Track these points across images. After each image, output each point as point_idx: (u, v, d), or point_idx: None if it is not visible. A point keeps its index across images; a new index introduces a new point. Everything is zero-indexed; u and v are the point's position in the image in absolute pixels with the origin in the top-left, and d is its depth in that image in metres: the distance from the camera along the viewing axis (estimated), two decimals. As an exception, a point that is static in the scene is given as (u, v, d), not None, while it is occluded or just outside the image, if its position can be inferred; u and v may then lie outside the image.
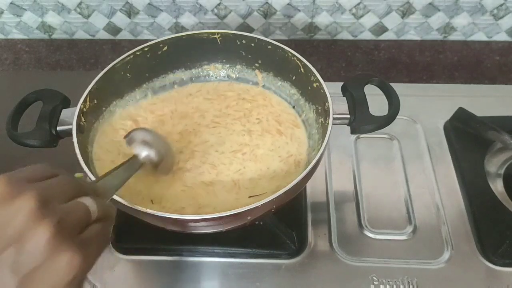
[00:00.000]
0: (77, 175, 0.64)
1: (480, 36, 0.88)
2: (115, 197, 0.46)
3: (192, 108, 0.63)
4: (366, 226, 0.60)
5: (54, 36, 0.92)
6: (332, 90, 0.55)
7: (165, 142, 0.53)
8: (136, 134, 0.50)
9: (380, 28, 0.88)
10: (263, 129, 0.60)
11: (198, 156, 0.57)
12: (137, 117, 0.62)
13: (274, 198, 0.45)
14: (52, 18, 0.89)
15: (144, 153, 0.48)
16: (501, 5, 0.83)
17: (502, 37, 0.88)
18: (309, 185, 0.64)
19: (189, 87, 0.66)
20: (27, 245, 0.26)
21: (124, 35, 0.91)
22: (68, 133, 0.52)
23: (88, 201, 0.31)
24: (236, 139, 0.59)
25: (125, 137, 0.50)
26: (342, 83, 0.57)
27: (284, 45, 0.60)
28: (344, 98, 0.55)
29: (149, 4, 0.85)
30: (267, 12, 0.86)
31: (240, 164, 0.56)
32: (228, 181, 0.54)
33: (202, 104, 0.63)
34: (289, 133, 0.60)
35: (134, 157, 0.48)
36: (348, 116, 0.54)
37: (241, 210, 0.44)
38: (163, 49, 0.63)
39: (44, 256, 0.27)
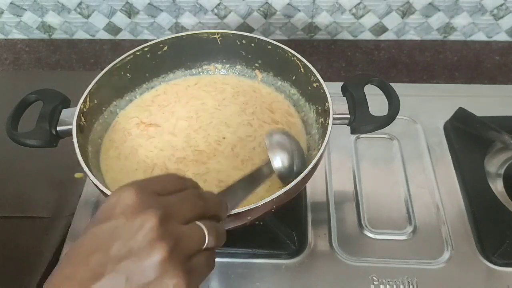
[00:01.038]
0: (77, 175, 0.64)
1: (480, 36, 0.88)
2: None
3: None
4: (366, 226, 0.60)
5: (54, 36, 0.92)
6: (332, 90, 0.55)
7: (303, 153, 0.49)
8: (277, 137, 0.48)
9: (380, 28, 0.88)
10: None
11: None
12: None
13: (274, 198, 0.45)
14: (52, 18, 0.89)
15: (278, 163, 0.45)
16: (501, 5, 0.83)
17: (502, 37, 0.88)
18: (309, 185, 0.64)
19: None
20: (143, 262, 0.28)
21: (124, 35, 0.91)
22: (68, 133, 0.52)
23: (206, 227, 0.32)
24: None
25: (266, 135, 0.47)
26: (342, 83, 0.57)
27: (284, 45, 0.60)
28: (344, 98, 0.55)
29: (149, 4, 0.85)
30: (267, 12, 0.86)
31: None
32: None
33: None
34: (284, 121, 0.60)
35: (267, 165, 0.44)
36: (348, 116, 0.54)
37: (241, 210, 0.44)
38: (163, 49, 0.63)
39: (155, 275, 0.28)
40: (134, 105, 0.64)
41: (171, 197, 0.32)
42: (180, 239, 0.30)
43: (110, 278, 0.28)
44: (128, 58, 0.60)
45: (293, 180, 0.45)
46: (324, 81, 0.56)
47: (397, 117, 0.54)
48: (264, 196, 0.45)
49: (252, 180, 0.43)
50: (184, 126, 0.60)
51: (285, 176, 0.48)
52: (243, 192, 0.41)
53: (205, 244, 0.32)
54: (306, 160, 0.50)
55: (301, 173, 0.46)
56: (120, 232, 0.29)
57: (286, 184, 0.45)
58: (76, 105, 0.54)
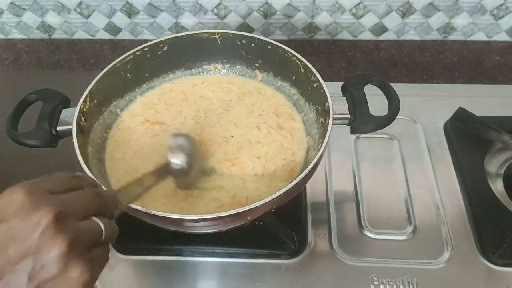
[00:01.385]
0: (77, 175, 0.64)
1: (480, 36, 0.88)
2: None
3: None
4: (366, 226, 0.60)
5: (54, 36, 0.92)
6: (332, 90, 0.55)
7: (200, 155, 0.53)
8: (177, 139, 0.51)
9: (380, 28, 0.88)
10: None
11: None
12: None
13: (274, 198, 0.45)
14: (52, 18, 0.89)
15: (176, 161, 0.48)
16: (501, 5, 0.83)
17: (502, 37, 0.88)
18: (309, 185, 0.64)
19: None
20: (43, 258, 0.29)
21: (124, 35, 0.91)
22: (68, 133, 0.52)
23: (103, 223, 0.33)
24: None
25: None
26: (342, 83, 0.57)
27: (284, 45, 0.60)
28: (344, 98, 0.55)
29: (149, 4, 0.85)
30: (267, 12, 0.86)
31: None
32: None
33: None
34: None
35: (166, 164, 0.48)
36: (348, 116, 0.54)
37: (241, 210, 0.44)
38: (163, 49, 0.63)
39: (57, 269, 0.29)
40: (140, 103, 0.64)
41: (65, 195, 0.32)
42: (78, 233, 0.30)
43: (10, 278, 0.28)
44: (128, 58, 0.60)
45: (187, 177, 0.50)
46: (324, 81, 0.56)
47: (397, 117, 0.54)
48: (264, 196, 0.45)
49: (150, 178, 0.45)
50: (191, 124, 0.60)
51: (179, 174, 0.50)
52: (140, 189, 0.43)
53: (102, 238, 0.33)
54: (197, 159, 0.53)
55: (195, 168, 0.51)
56: (15, 233, 0.29)
57: (178, 183, 0.51)
58: (76, 105, 0.54)
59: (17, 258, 0.28)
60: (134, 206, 0.44)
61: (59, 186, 0.32)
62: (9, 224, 0.29)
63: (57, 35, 0.92)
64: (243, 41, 0.63)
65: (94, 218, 0.32)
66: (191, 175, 0.51)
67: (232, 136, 0.59)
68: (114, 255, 0.58)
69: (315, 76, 0.56)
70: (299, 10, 0.85)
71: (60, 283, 0.29)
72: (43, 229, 0.29)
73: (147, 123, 0.61)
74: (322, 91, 0.55)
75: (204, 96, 0.64)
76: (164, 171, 0.48)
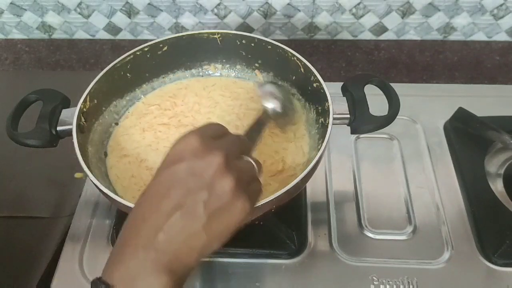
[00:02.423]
0: (77, 175, 0.64)
1: (480, 36, 0.88)
2: (115, 197, 0.46)
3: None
4: (366, 226, 0.60)
5: (54, 36, 0.92)
6: (332, 90, 0.55)
7: (290, 98, 0.59)
8: (266, 87, 0.56)
9: (380, 28, 0.88)
10: None
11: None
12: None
13: (274, 198, 0.45)
14: (52, 18, 0.89)
15: (270, 105, 0.53)
16: (501, 5, 0.83)
17: (502, 37, 0.88)
18: (309, 185, 0.64)
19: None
20: (217, 190, 0.34)
21: (124, 35, 0.91)
22: (68, 133, 0.52)
23: (252, 161, 0.39)
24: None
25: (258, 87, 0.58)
26: (342, 83, 0.57)
27: (284, 45, 0.60)
28: (344, 98, 0.55)
29: (149, 4, 0.85)
30: (267, 12, 0.86)
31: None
32: None
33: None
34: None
35: (264, 112, 0.52)
36: (348, 116, 0.54)
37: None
38: (163, 49, 0.63)
39: (227, 200, 0.34)
40: (140, 102, 0.64)
41: (224, 140, 0.38)
42: (240, 171, 0.36)
43: (191, 205, 0.34)
44: (128, 58, 0.60)
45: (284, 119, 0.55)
46: (324, 81, 0.56)
47: (397, 117, 0.54)
48: (265, 196, 0.45)
49: (256, 128, 0.48)
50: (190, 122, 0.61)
51: (277, 117, 0.54)
52: (256, 135, 0.47)
53: (256, 173, 0.39)
54: (293, 102, 0.60)
55: (289, 110, 0.56)
56: (194, 169, 0.35)
57: (279, 125, 0.56)
58: (76, 105, 0.54)
59: (196, 189, 0.34)
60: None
61: (217, 133, 0.38)
62: (189, 162, 0.35)
63: (57, 35, 0.92)
64: (243, 41, 0.63)
65: (245, 157, 0.39)
66: (286, 115, 0.56)
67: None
68: (114, 255, 0.58)
69: (315, 76, 0.56)
70: (299, 10, 0.85)
71: (229, 212, 0.35)
72: (216, 167, 0.34)
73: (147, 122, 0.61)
74: (322, 91, 0.55)
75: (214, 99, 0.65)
76: (263, 119, 0.51)
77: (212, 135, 0.38)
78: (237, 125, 0.60)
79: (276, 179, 0.55)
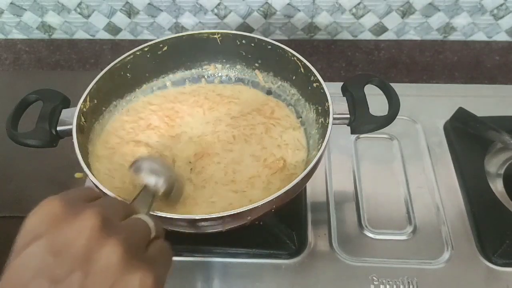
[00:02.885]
0: (77, 175, 0.64)
1: (480, 36, 0.88)
2: (115, 197, 0.46)
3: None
4: (366, 226, 0.60)
5: (54, 36, 0.92)
6: (332, 90, 0.55)
7: (171, 169, 0.50)
8: (143, 163, 0.46)
9: (380, 28, 0.88)
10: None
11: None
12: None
13: (274, 198, 0.45)
14: (52, 18, 0.89)
15: (152, 181, 0.43)
16: (501, 5, 0.83)
17: (502, 37, 0.88)
18: (309, 185, 0.64)
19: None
20: (95, 268, 0.25)
21: (124, 35, 0.91)
22: (68, 133, 0.52)
23: (145, 218, 0.30)
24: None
25: (130, 166, 0.46)
26: (342, 83, 0.57)
27: (284, 45, 0.60)
28: (344, 98, 0.55)
29: (149, 4, 0.85)
30: (267, 12, 0.86)
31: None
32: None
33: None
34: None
35: (145, 187, 0.43)
36: (348, 116, 0.54)
37: (241, 210, 0.44)
38: (163, 49, 0.63)
39: (114, 278, 0.25)
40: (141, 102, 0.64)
41: (99, 201, 0.29)
42: (128, 233, 0.27)
43: None
44: (128, 58, 0.60)
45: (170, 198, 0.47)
46: (324, 81, 0.56)
47: (397, 117, 0.54)
48: (264, 196, 0.45)
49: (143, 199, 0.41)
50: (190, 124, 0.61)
51: (166, 190, 0.45)
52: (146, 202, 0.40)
53: (152, 233, 0.29)
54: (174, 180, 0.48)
55: (175, 182, 0.47)
56: (57, 246, 0.25)
57: (172, 198, 0.47)
58: (76, 105, 0.54)
59: (64, 275, 0.24)
60: None
61: (90, 195, 0.30)
62: (48, 237, 0.26)
63: (57, 35, 0.92)
64: (243, 41, 0.63)
65: (136, 216, 0.30)
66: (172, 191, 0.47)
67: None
68: (114, 255, 0.58)
69: (315, 76, 0.56)
70: (299, 10, 0.85)
71: None
72: (89, 234, 0.25)
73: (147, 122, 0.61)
74: (322, 91, 0.55)
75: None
76: (147, 194, 0.43)
77: (80, 198, 0.29)
78: (233, 135, 0.60)
79: (277, 177, 0.55)
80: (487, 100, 0.74)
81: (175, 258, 0.56)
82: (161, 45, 0.62)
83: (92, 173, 0.48)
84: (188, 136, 0.59)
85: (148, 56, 0.62)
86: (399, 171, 0.66)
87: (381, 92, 0.56)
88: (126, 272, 0.25)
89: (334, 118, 0.52)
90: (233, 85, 0.66)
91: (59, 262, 0.25)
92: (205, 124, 0.61)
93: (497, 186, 0.64)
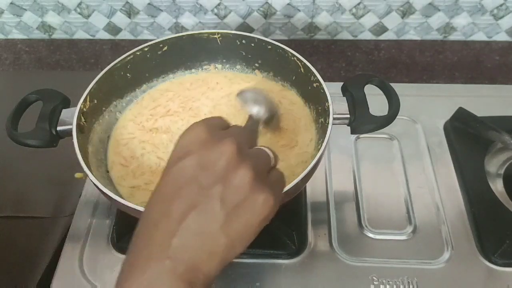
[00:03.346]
0: (77, 175, 0.64)
1: (480, 36, 0.88)
2: (115, 197, 0.46)
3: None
4: (366, 226, 0.60)
5: (54, 36, 0.92)
6: (332, 90, 0.55)
7: (272, 100, 0.56)
8: (248, 94, 0.55)
9: (380, 28, 0.88)
10: None
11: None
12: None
13: (274, 198, 0.45)
14: (52, 18, 0.89)
15: (255, 110, 0.51)
16: (501, 5, 0.83)
17: (502, 37, 0.88)
18: (309, 185, 0.64)
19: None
20: (232, 183, 0.31)
21: (124, 35, 0.91)
22: (68, 133, 0.52)
23: (266, 149, 0.35)
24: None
25: (237, 95, 0.56)
26: (342, 83, 0.57)
27: (284, 45, 0.60)
28: (344, 98, 0.55)
29: (149, 4, 0.85)
30: (267, 12, 0.86)
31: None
32: None
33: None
34: None
35: (250, 117, 0.49)
36: (348, 116, 0.54)
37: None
38: (163, 49, 0.63)
39: (246, 193, 0.31)
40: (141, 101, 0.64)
41: (231, 130, 0.36)
42: (256, 160, 0.33)
43: (205, 204, 0.30)
44: (128, 58, 0.60)
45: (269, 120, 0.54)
46: (324, 81, 0.56)
47: (397, 117, 0.54)
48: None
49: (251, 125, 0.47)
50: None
51: (265, 121, 0.53)
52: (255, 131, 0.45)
53: (272, 161, 0.35)
54: (275, 105, 0.57)
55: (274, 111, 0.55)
56: (205, 162, 0.31)
57: (267, 126, 0.54)
58: (76, 105, 0.54)
59: (210, 185, 0.30)
60: (133, 206, 0.44)
61: (222, 124, 0.36)
62: (198, 155, 0.32)
63: (57, 35, 0.92)
64: (243, 41, 0.63)
65: (259, 146, 0.35)
66: (273, 117, 0.55)
67: None
68: (114, 255, 0.58)
69: (315, 76, 0.56)
70: (299, 10, 0.85)
71: (249, 207, 0.31)
72: (229, 157, 0.31)
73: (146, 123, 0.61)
74: (322, 91, 0.55)
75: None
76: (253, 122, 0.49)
77: (219, 126, 0.35)
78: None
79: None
80: (487, 100, 0.74)
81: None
82: (161, 45, 0.62)
83: (92, 173, 0.48)
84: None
85: (148, 56, 0.62)
86: (399, 171, 0.66)
87: (381, 92, 0.56)
88: (254, 191, 0.31)
89: (334, 118, 0.52)
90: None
91: (206, 175, 0.31)
92: (220, 98, 0.63)
93: (497, 186, 0.64)
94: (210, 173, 0.31)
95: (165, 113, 0.62)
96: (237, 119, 0.59)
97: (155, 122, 0.61)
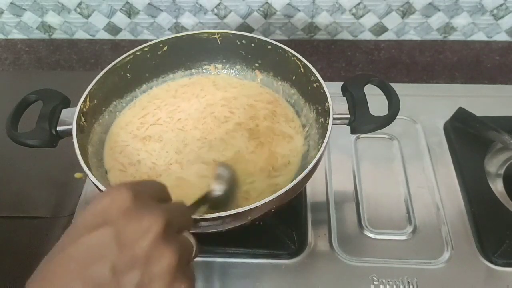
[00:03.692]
0: (77, 175, 0.64)
1: (480, 36, 0.88)
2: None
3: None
4: (366, 226, 0.60)
5: (54, 36, 0.92)
6: (332, 90, 0.55)
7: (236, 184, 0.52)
8: (223, 170, 0.49)
9: (380, 28, 0.88)
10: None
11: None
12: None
13: (274, 198, 0.45)
14: (52, 18, 0.89)
15: (218, 190, 0.47)
16: (501, 5, 0.83)
17: (502, 37, 0.88)
18: (309, 185, 0.64)
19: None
20: (152, 270, 0.26)
21: (124, 35, 0.91)
22: (68, 133, 0.52)
23: (191, 239, 0.32)
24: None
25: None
26: (342, 83, 0.57)
27: (284, 45, 0.60)
28: (344, 98, 0.55)
29: (149, 4, 0.85)
30: (267, 12, 0.86)
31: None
32: None
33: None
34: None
35: (210, 192, 0.46)
36: (348, 116, 0.54)
37: (241, 210, 0.44)
38: (163, 49, 0.63)
39: (165, 282, 0.27)
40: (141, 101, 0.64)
41: (165, 205, 0.30)
42: (181, 246, 0.29)
43: None
44: (128, 58, 0.60)
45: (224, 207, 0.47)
46: (324, 81, 0.56)
47: (397, 117, 0.54)
48: (264, 197, 0.45)
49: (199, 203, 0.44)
50: (190, 124, 0.61)
51: (216, 203, 0.48)
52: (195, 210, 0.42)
53: (193, 254, 0.31)
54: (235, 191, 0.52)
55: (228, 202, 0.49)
56: (123, 239, 0.26)
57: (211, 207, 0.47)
58: (76, 105, 0.54)
59: (124, 269, 0.26)
60: None
61: (157, 194, 0.31)
62: (116, 227, 0.26)
63: (57, 35, 0.92)
64: (243, 41, 0.63)
65: (186, 233, 0.31)
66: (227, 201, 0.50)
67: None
68: (114, 255, 0.58)
69: (315, 76, 0.56)
70: (299, 10, 0.85)
71: None
72: (153, 237, 0.26)
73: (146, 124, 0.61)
74: (322, 91, 0.55)
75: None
76: (205, 199, 0.46)
77: (151, 195, 0.30)
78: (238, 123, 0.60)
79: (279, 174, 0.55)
80: (487, 100, 0.74)
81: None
82: (161, 45, 0.62)
83: (92, 173, 0.48)
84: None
85: (148, 56, 0.62)
86: (399, 171, 0.66)
87: (381, 92, 0.56)
88: (175, 281, 0.27)
89: (334, 118, 0.52)
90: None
91: (123, 255, 0.26)
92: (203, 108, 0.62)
93: (497, 186, 0.64)
94: (128, 254, 0.26)
95: (154, 122, 0.61)
96: (216, 133, 0.59)
97: (146, 131, 0.60)
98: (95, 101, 0.57)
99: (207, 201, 0.46)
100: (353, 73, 0.84)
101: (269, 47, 0.61)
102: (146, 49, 0.61)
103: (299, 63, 0.59)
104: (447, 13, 0.84)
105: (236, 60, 0.66)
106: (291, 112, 0.62)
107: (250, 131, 0.59)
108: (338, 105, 0.54)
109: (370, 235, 0.59)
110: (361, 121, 0.53)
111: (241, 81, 0.66)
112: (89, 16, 0.88)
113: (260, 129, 0.60)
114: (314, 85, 0.57)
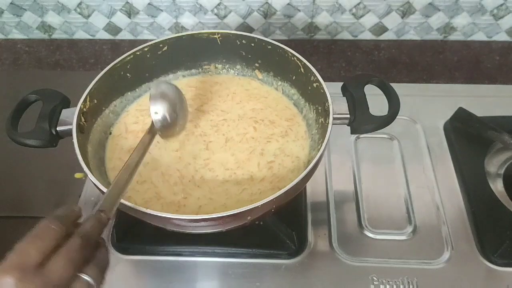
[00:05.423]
0: (77, 175, 0.64)
1: (480, 36, 0.88)
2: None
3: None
4: (366, 226, 0.60)
5: (54, 36, 0.92)
6: (332, 90, 0.55)
7: (183, 103, 0.54)
8: (158, 88, 0.51)
9: (380, 28, 0.88)
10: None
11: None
12: None
13: (274, 198, 0.45)
14: (52, 18, 0.89)
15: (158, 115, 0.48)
16: (501, 5, 0.83)
17: (502, 37, 0.88)
18: (309, 185, 0.64)
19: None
20: None
21: (124, 35, 0.91)
22: (68, 133, 0.52)
23: (90, 275, 0.34)
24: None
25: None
26: (342, 83, 0.57)
27: (284, 45, 0.60)
28: (344, 98, 0.55)
29: (149, 4, 0.85)
30: (267, 12, 0.86)
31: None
32: None
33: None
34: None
35: (150, 128, 0.48)
36: (348, 116, 0.54)
37: (241, 210, 0.44)
38: (163, 49, 0.63)
39: None
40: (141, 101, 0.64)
41: (51, 265, 0.31)
42: None
43: None
44: (128, 58, 0.60)
45: (171, 130, 0.51)
46: (324, 81, 0.56)
47: (397, 117, 0.54)
48: (266, 195, 0.45)
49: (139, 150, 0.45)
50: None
51: (163, 127, 0.50)
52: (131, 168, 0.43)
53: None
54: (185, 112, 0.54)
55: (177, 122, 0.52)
56: None
57: (162, 136, 0.51)
58: (76, 105, 0.54)
59: None
60: (133, 206, 0.44)
61: (46, 246, 0.32)
62: None
63: (57, 35, 0.92)
64: (243, 41, 0.63)
65: (83, 276, 0.33)
66: (175, 127, 0.52)
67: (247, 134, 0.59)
68: (114, 255, 0.58)
69: (315, 76, 0.56)
70: (299, 10, 0.85)
71: None
72: None
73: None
74: (322, 91, 0.55)
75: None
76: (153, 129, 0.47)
77: (37, 258, 0.31)
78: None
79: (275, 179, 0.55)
80: (487, 100, 0.74)
81: (177, 258, 0.57)
82: (161, 45, 0.62)
83: (92, 173, 0.48)
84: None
85: (148, 56, 0.62)
86: (399, 171, 0.66)
87: (381, 92, 0.56)
88: None
89: (334, 118, 0.52)
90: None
91: None
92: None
93: (497, 186, 0.64)
94: None
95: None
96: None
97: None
98: (95, 101, 0.57)
99: (156, 131, 0.48)
100: (353, 73, 0.84)
101: (269, 47, 0.61)
102: (146, 49, 0.61)
103: (299, 63, 0.59)
104: (447, 13, 0.84)
105: (236, 60, 0.66)
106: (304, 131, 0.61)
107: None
108: (338, 105, 0.54)
109: (370, 235, 0.59)
110: (361, 121, 0.53)
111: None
112: (89, 16, 0.88)
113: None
114: (314, 85, 0.57)
